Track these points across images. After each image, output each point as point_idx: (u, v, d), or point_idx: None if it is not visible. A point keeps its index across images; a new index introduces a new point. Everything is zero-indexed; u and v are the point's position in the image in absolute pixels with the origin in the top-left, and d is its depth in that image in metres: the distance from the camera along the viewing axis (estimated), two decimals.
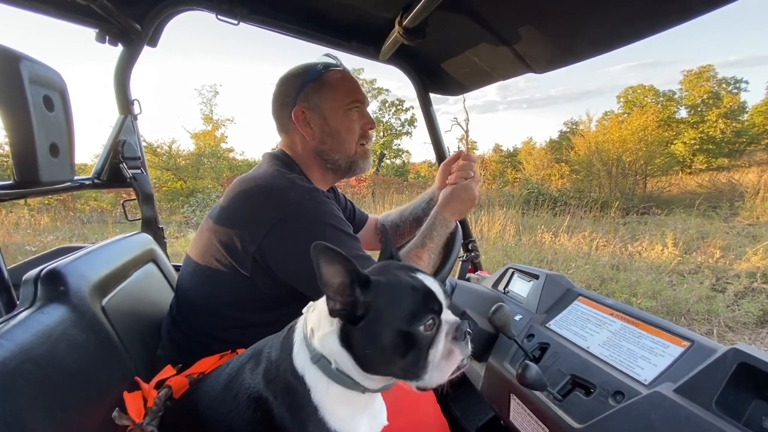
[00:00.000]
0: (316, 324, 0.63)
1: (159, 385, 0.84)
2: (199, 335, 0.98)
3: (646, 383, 0.70)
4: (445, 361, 0.59)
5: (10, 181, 0.90)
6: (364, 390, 0.63)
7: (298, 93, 1.04)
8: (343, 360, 0.60)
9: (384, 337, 0.57)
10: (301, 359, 0.63)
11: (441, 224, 1.09)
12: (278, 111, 1.09)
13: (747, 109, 18.47)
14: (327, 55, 1.10)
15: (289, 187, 0.93)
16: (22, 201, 8.87)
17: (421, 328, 0.58)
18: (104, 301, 0.92)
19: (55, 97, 0.93)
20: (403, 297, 0.59)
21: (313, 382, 0.62)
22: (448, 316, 0.62)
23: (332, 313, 0.58)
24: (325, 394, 0.62)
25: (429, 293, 0.61)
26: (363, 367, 0.60)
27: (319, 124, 1.04)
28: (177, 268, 1.38)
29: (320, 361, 0.62)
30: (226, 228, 0.93)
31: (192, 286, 1.00)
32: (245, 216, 0.93)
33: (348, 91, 1.05)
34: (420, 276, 0.63)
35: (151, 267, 1.25)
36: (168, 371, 0.88)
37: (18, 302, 0.80)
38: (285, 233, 0.89)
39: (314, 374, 0.62)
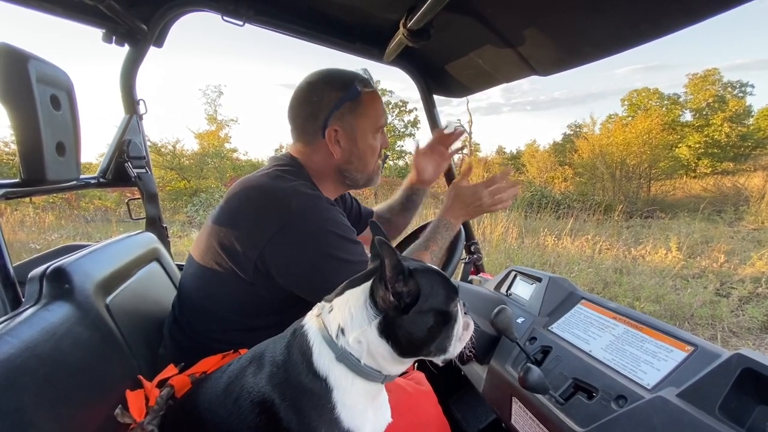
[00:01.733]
0: (347, 323, 0.64)
1: (161, 384, 0.84)
2: (199, 336, 0.98)
3: (649, 388, 0.69)
4: (465, 331, 0.69)
5: (17, 179, 0.91)
6: (384, 379, 0.67)
7: (334, 110, 0.99)
8: (380, 351, 0.63)
9: (429, 319, 0.63)
10: (325, 360, 0.64)
11: (445, 228, 1.07)
12: (304, 119, 1.02)
13: (753, 113, 18.37)
14: (364, 70, 1.07)
15: (291, 194, 0.91)
16: (27, 199, 8.94)
17: (452, 306, 0.65)
18: (108, 299, 0.93)
19: (62, 96, 0.94)
20: (438, 282, 0.65)
21: (338, 381, 0.63)
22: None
23: (385, 303, 0.61)
24: (348, 390, 0.63)
25: (447, 277, 0.68)
26: (402, 353, 0.63)
27: (349, 145, 1.02)
28: (180, 267, 1.38)
29: (347, 358, 0.63)
30: (227, 232, 0.92)
31: (193, 288, 1.00)
32: (246, 221, 0.92)
33: (379, 115, 1.05)
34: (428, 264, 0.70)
35: (154, 266, 1.26)
36: (170, 370, 0.88)
37: (23, 299, 0.81)
38: (287, 241, 0.88)
39: (340, 372, 0.63)
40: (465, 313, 0.70)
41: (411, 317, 0.62)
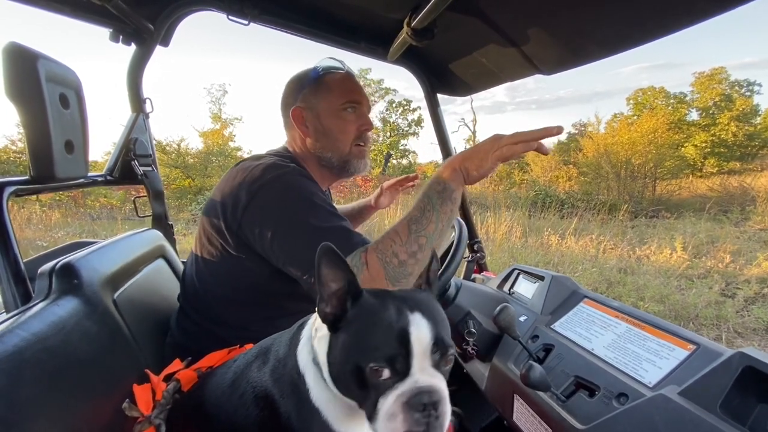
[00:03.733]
0: (320, 324, 0.61)
1: (168, 378, 0.85)
2: (202, 319, 1.00)
3: (651, 386, 0.69)
4: (386, 421, 0.49)
5: (26, 177, 0.92)
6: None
7: (298, 94, 1.09)
8: (325, 367, 0.58)
9: (344, 358, 0.53)
10: (303, 357, 0.62)
11: (435, 186, 0.85)
12: (283, 110, 1.13)
13: (760, 112, 18.19)
14: (331, 58, 1.12)
15: (266, 167, 0.94)
16: (33, 197, 9.03)
17: (367, 369, 0.50)
18: (116, 294, 0.95)
19: (70, 95, 0.95)
20: (373, 327, 0.52)
21: (312, 383, 0.60)
22: (419, 377, 0.50)
23: (320, 313, 0.56)
24: (321, 396, 0.59)
25: (401, 340, 0.50)
26: (333, 381, 0.57)
27: (314, 124, 1.07)
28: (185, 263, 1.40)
29: (318, 362, 0.59)
30: (216, 210, 0.95)
31: (193, 272, 1.03)
32: (229, 195, 0.94)
33: (343, 92, 1.07)
34: (415, 318, 0.52)
35: (160, 263, 1.27)
36: (177, 365, 0.90)
37: (33, 294, 0.82)
38: (257, 209, 0.89)
39: (313, 374, 0.60)
40: (406, 404, 0.48)
41: (336, 340, 0.55)
